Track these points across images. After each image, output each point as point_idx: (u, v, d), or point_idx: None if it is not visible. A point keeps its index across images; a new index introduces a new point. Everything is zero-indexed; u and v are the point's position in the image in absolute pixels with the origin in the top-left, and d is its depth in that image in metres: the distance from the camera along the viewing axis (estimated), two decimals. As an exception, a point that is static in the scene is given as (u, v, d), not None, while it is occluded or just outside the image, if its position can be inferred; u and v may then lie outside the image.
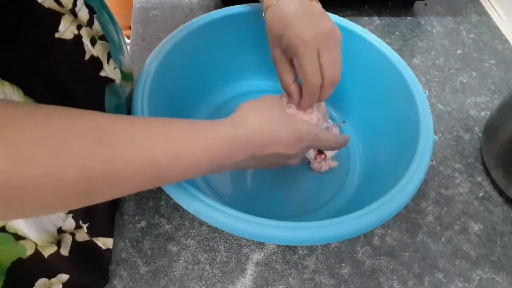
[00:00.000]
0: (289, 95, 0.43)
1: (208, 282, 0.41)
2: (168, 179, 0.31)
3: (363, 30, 0.49)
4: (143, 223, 0.44)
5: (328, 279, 0.42)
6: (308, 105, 0.43)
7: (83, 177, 0.25)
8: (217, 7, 0.66)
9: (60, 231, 0.42)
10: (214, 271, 0.41)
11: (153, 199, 0.46)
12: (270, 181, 0.49)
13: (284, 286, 0.41)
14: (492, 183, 0.51)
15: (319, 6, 0.41)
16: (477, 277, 0.43)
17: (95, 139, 0.25)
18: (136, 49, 0.61)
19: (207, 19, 0.48)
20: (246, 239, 0.44)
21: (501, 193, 0.50)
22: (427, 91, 0.45)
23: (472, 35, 0.69)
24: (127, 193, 0.29)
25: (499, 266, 0.44)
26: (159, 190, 0.46)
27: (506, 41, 0.69)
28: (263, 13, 0.41)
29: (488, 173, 0.51)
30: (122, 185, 0.28)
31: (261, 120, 0.35)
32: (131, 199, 0.45)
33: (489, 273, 0.44)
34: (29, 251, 0.41)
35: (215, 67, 0.53)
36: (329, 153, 0.49)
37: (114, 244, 0.43)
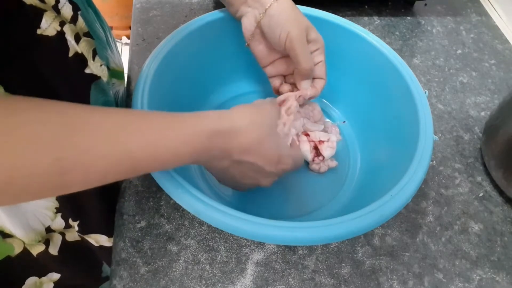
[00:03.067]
0: (309, 75, 0.44)
1: (208, 282, 0.41)
2: (145, 170, 0.30)
3: (363, 30, 0.49)
4: (143, 223, 0.44)
5: (328, 279, 0.42)
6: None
7: (57, 168, 0.25)
8: (217, 7, 0.66)
9: (48, 230, 0.42)
10: (214, 271, 0.41)
11: (153, 199, 0.46)
12: (270, 181, 0.49)
13: (284, 286, 0.41)
14: (492, 183, 0.51)
15: None
16: (477, 277, 0.43)
17: (69, 131, 0.25)
18: (136, 49, 0.61)
19: (207, 19, 0.48)
20: (246, 239, 0.44)
21: (501, 193, 0.50)
22: (427, 91, 0.45)
23: (472, 35, 0.69)
24: (103, 183, 0.28)
25: (499, 266, 0.44)
26: (159, 190, 0.46)
27: (506, 41, 0.69)
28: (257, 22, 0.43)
29: (488, 173, 0.51)
30: (98, 176, 0.27)
31: (249, 124, 0.34)
32: (131, 199, 0.45)
33: (489, 273, 0.44)
34: (17, 250, 0.41)
35: (215, 67, 0.53)
36: (327, 154, 0.49)
37: (114, 244, 0.43)
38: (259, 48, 0.45)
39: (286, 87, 0.47)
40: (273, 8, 0.40)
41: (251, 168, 0.36)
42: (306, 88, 0.44)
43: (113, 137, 0.27)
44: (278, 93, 0.48)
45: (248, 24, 0.43)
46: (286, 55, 0.44)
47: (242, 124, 0.34)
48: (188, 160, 0.32)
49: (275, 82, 0.48)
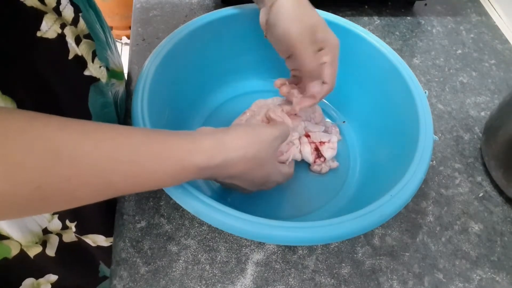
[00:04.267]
0: (317, 76, 0.43)
1: (208, 282, 0.41)
2: (128, 193, 0.32)
3: (363, 30, 0.49)
4: (143, 223, 0.44)
5: (328, 279, 0.42)
6: (320, 99, 0.45)
7: (38, 195, 0.25)
8: (217, 7, 0.66)
9: (45, 231, 0.42)
10: (214, 271, 0.41)
11: (153, 199, 0.46)
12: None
13: (284, 286, 0.41)
14: (492, 183, 0.51)
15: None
16: (477, 277, 0.43)
17: (52, 160, 0.25)
18: (136, 49, 0.61)
19: (207, 19, 0.48)
20: (246, 239, 0.44)
21: (501, 193, 0.50)
22: (427, 91, 0.45)
23: (472, 35, 0.69)
24: (86, 204, 0.29)
25: (499, 266, 0.44)
26: (159, 190, 0.46)
27: (506, 41, 0.69)
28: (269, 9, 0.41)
29: (488, 173, 0.51)
30: (79, 201, 0.28)
31: (242, 154, 0.34)
32: (131, 199, 0.45)
33: (489, 273, 0.44)
34: (14, 251, 0.41)
35: (215, 67, 0.53)
36: (328, 156, 0.49)
37: (114, 244, 0.42)
38: (273, 41, 0.43)
39: (285, 88, 0.46)
40: (276, 5, 0.40)
41: (233, 185, 0.38)
42: (317, 91, 0.43)
43: (99, 169, 0.27)
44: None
45: (262, 17, 0.42)
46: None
47: (233, 156, 0.33)
48: (171, 185, 0.33)
49: (293, 78, 0.46)
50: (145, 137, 0.30)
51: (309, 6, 0.41)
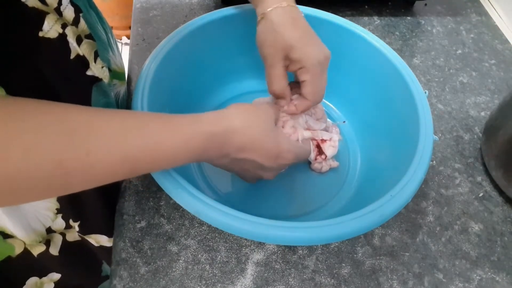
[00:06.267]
0: (282, 97, 0.43)
1: (208, 282, 0.41)
2: (143, 171, 0.32)
3: (363, 30, 0.49)
4: (143, 223, 0.44)
5: (328, 279, 0.42)
6: (301, 112, 0.44)
7: (59, 171, 0.25)
8: (217, 7, 0.66)
9: (49, 230, 0.42)
10: (214, 271, 0.41)
11: (153, 199, 0.46)
12: (270, 181, 0.49)
13: (284, 286, 0.41)
14: (492, 183, 0.51)
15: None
16: (477, 277, 0.43)
17: (69, 136, 0.26)
18: (136, 49, 0.61)
19: (207, 19, 0.48)
20: (246, 239, 0.44)
21: (501, 193, 0.50)
22: (427, 91, 0.45)
23: (472, 35, 0.69)
24: (104, 183, 0.29)
25: (499, 266, 0.44)
26: (159, 190, 0.46)
27: (506, 41, 0.69)
28: (262, 13, 0.41)
29: (488, 173, 0.51)
30: (99, 177, 0.28)
31: (245, 123, 0.35)
32: (131, 199, 0.45)
33: (489, 273, 0.44)
34: (18, 250, 0.41)
35: (215, 67, 0.53)
36: (329, 153, 0.49)
37: (114, 244, 0.43)
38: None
39: (288, 90, 0.45)
40: (260, 23, 0.41)
41: (250, 164, 0.37)
42: (298, 104, 0.43)
43: (113, 141, 0.28)
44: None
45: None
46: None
47: (238, 124, 0.34)
48: (186, 161, 0.33)
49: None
50: (151, 115, 0.32)
51: (291, 23, 0.40)
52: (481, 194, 0.50)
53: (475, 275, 0.44)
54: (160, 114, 0.33)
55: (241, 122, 0.35)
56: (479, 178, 0.51)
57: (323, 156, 0.49)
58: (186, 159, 0.33)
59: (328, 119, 0.55)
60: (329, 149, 0.49)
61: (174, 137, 0.31)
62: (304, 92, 0.42)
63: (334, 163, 0.50)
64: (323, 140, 0.49)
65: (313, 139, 0.49)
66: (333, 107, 0.57)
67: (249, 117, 0.36)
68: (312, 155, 0.49)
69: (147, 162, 0.30)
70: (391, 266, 0.43)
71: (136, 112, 0.32)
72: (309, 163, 0.50)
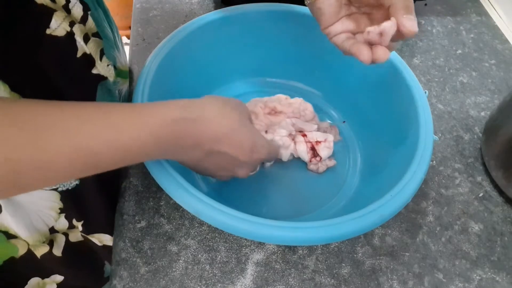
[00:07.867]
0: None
1: (208, 282, 0.41)
2: (108, 165, 0.29)
3: (363, 30, 0.49)
4: (143, 223, 0.44)
5: (328, 279, 0.42)
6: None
7: (10, 169, 0.24)
8: (217, 7, 0.66)
9: (52, 230, 0.42)
10: (214, 271, 0.41)
11: (153, 199, 0.46)
12: (270, 181, 0.49)
13: (284, 286, 0.41)
14: (492, 183, 0.51)
15: None
16: (477, 277, 0.43)
17: (22, 130, 0.24)
18: (136, 49, 0.61)
19: (207, 19, 0.48)
20: (246, 239, 0.44)
21: (501, 193, 0.50)
22: (427, 91, 0.45)
23: (472, 35, 0.69)
24: (65, 181, 0.28)
25: (499, 266, 0.44)
26: (159, 190, 0.46)
27: (506, 41, 0.69)
28: None
29: (488, 173, 0.51)
30: (58, 174, 0.27)
31: (220, 113, 0.34)
32: (131, 199, 0.45)
33: (489, 273, 0.44)
34: (21, 251, 0.41)
35: (215, 67, 0.53)
36: (324, 155, 0.49)
37: (114, 244, 0.43)
38: (329, 3, 0.38)
39: (351, 41, 0.38)
40: None
41: (224, 158, 0.35)
42: (410, 25, 0.32)
43: (72, 133, 0.26)
44: (347, 53, 0.39)
45: None
46: (354, 12, 0.38)
47: (213, 113, 0.33)
48: (154, 150, 0.31)
49: (339, 39, 0.39)
50: (116, 105, 0.30)
51: None
52: (481, 194, 0.50)
53: (475, 275, 0.44)
54: (127, 104, 0.30)
55: (217, 112, 0.33)
56: (479, 178, 0.51)
57: (317, 158, 0.49)
58: (156, 151, 0.30)
59: (328, 120, 0.55)
60: (324, 151, 0.49)
61: (139, 125, 0.29)
62: (396, 7, 0.33)
63: (331, 162, 0.50)
64: (317, 142, 0.49)
65: (307, 141, 0.49)
66: (332, 107, 0.57)
67: (225, 108, 0.34)
68: (307, 157, 0.49)
69: (109, 155, 0.28)
70: (391, 266, 0.43)
71: (100, 103, 0.29)
72: (306, 164, 0.50)
